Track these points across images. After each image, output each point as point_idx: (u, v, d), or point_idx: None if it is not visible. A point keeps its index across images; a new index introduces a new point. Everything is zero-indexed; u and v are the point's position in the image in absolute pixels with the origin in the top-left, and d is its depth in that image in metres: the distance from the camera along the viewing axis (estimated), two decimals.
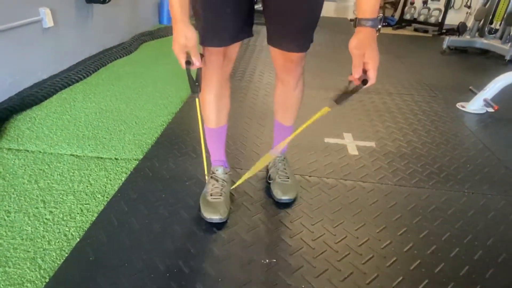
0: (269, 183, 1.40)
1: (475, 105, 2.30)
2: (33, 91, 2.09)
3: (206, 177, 1.34)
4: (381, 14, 0.84)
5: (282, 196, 1.32)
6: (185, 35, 0.92)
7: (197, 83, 1.05)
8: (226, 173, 1.33)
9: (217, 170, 1.32)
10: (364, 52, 0.85)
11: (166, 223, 1.21)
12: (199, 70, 1.04)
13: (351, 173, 1.56)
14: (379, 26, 0.85)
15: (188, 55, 0.96)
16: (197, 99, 1.15)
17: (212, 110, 1.22)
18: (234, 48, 1.12)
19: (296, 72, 1.18)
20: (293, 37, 1.09)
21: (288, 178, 1.37)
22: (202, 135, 1.23)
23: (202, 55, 1.02)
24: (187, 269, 1.04)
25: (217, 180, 1.30)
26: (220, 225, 1.21)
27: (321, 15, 1.08)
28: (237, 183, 1.30)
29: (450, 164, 1.68)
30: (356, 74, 0.87)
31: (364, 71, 0.88)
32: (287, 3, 1.02)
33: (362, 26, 0.85)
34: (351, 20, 5.79)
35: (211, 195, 1.25)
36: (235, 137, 1.81)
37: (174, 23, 0.93)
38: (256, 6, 1.10)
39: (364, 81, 0.88)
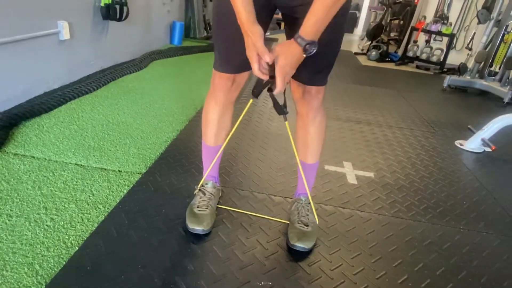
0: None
1: (473, 144, 2.35)
2: (43, 100, 2.14)
3: (195, 190, 1.37)
4: (316, 40, 0.89)
5: (296, 242, 1.22)
6: (252, 42, 0.94)
7: (283, 105, 1.02)
8: (215, 188, 1.38)
9: (206, 184, 1.37)
10: (279, 58, 0.92)
11: (165, 238, 1.22)
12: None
13: (349, 202, 1.58)
14: (309, 49, 0.89)
15: (270, 82, 0.95)
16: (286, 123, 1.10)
17: (212, 129, 1.28)
18: (244, 75, 1.18)
19: (313, 103, 1.18)
20: (315, 71, 1.11)
21: (308, 225, 1.27)
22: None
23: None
24: (183, 285, 1.04)
25: (204, 193, 1.34)
26: (217, 244, 1.22)
27: None
28: None
29: (447, 199, 1.70)
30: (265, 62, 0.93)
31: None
32: None
33: (295, 40, 0.90)
34: (355, 53, 5.96)
35: (197, 207, 1.30)
36: (238, 159, 1.84)
37: (244, 32, 0.96)
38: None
39: (271, 77, 0.94)
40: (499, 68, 3.99)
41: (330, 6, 0.85)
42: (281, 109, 1.03)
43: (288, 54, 0.92)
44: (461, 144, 2.40)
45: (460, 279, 1.21)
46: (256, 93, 1.01)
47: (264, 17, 1.11)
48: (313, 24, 0.87)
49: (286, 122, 1.13)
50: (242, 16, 0.93)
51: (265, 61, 0.95)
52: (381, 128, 2.56)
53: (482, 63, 4.07)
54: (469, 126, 2.54)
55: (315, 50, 0.91)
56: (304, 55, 0.92)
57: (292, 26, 1.08)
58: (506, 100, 3.61)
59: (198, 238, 1.24)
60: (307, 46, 0.89)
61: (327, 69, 1.14)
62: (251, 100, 1.05)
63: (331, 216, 1.46)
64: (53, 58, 2.37)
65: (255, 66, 0.97)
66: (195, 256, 1.16)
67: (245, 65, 1.13)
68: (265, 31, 1.15)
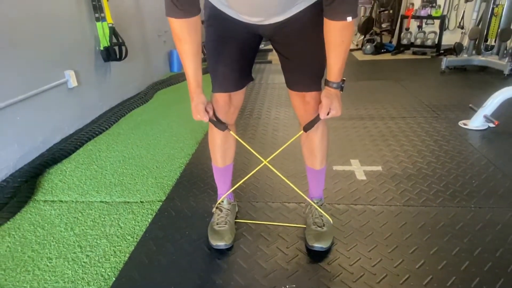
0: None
1: (477, 122, 2.38)
2: (62, 146, 2.29)
3: (213, 209, 1.47)
4: (344, 79, 1.14)
5: (315, 243, 1.30)
6: (197, 108, 1.15)
7: (218, 121, 1.26)
8: (230, 203, 1.48)
9: (222, 202, 1.46)
10: (332, 102, 1.13)
11: (192, 258, 1.31)
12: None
13: (360, 198, 1.65)
14: (342, 86, 1.14)
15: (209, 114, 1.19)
16: (231, 132, 1.33)
17: (218, 152, 1.40)
18: (240, 96, 1.28)
19: (313, 114, 1.22)
20: (302, 78, 1.21)
21: (323, 225, 1.36)
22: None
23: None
24: None
25: (221, 210, 1.44)
26: (240, 256, 1.31)
27: None
28: None
29: (456, 181, 1.75)
30: (323, 114, 1.14)
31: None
32: (294, 48, 1.17)
33: (329, 87, 1.13)
34: (351, 50, 6.03)
35: (217, 224, 1.39)
36: (249, 173, 1.92)
37: (190, 95, 1.16)
38: (260, 46, 1.29)
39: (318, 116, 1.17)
40: (495, 42, 4.01)
41: (344, 51, 1.06)
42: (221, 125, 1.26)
43: (332, 98, 1.13)
44: (465, 124, 2.43)
45: (476, 256, 1.26)
46: (307, 129, 1.23)
47: (252, 48, 1.24)
48: (336, 70, 1.09)
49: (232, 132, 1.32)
50: (191, 86, 1.15)
51: (202, 118, 1.17)
52: (384, 121, 2.62)
53: (477, 39, 4.09)
54: (470, 105, 2.58)
55: (344, 83, 1.15)
56: (341, 92, 1.15)
57: (279, 46, 1.20)
58: (506, 72, 3.61)
59: (222, 253, 1.33)
60: (342, 85, 1.14)
61: (319, 73, 1.21)
62: (301, 132, 1.27)
63: (345, 214, 1.53)
64: (65, 106, 2.53)
65: (202, 117, 1.17)
66: (221, 270, 1.25)
67: (242, 82, 1.27)
68: (254, 58, 1.28)
